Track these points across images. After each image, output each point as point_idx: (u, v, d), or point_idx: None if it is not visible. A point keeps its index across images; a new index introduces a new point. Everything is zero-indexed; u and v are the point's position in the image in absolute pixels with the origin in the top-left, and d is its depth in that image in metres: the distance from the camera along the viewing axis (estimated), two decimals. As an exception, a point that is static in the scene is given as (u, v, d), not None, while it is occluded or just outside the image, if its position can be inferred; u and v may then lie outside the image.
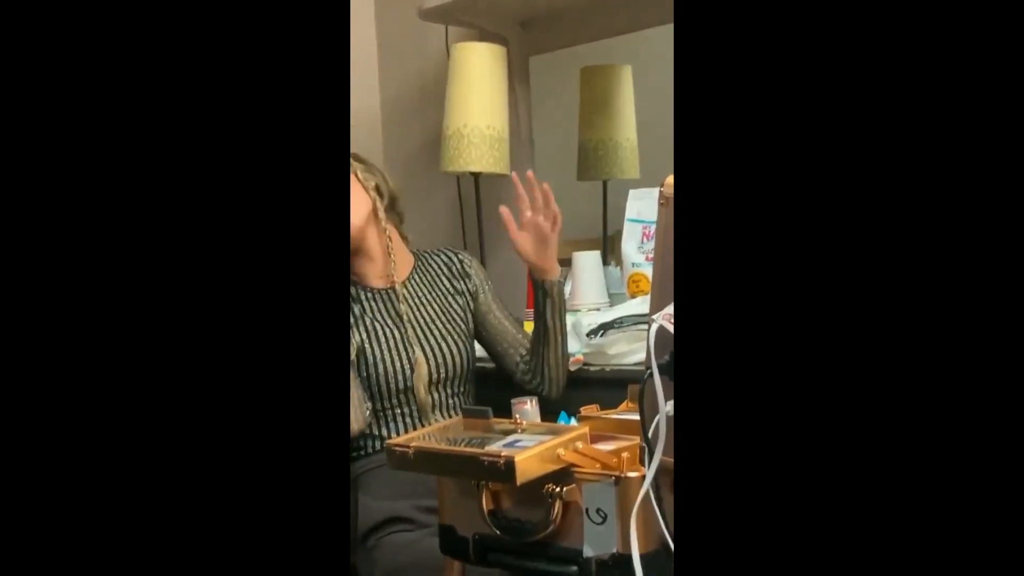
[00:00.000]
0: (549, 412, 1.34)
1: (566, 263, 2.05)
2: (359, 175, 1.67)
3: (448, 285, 1.75)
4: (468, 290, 1.75)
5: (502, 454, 0.97)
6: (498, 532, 1.05)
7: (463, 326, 1.72)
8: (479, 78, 2.09)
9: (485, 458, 0.98)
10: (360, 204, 1.64)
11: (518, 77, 2.28)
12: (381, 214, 1.67)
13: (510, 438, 1.04)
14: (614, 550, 0.98)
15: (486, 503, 1.05)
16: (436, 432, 1.15)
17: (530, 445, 1.00)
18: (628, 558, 0.95)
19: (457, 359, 1.67)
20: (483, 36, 2.26)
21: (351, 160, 1.67)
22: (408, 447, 1.05)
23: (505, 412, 1.27)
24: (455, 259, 1.78)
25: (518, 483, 0.96)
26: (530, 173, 1.58)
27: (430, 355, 1.64)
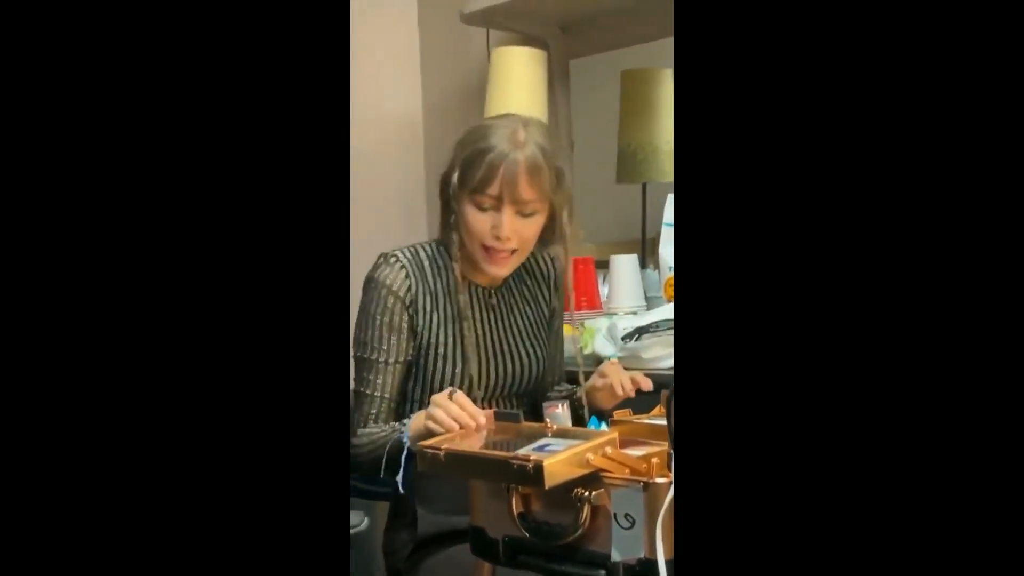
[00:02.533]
0: (581, 415, 1.35)
1: (603, 265, 2.06)
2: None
3: (537, 293, 1.57)
4: (554, 303, 1.59)
5: (531, 458, 0.98)
6: (527, 535, 1.06)
7: (541, 340, 1.55)
8: (519, 82, 2.10)
9: (514, 462, 0.99)
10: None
11: (558, 80, 2.29)
12: None
13: (540, 442, 1.05)
14: (642, 555, 0.98)
15: (516, 506, 1.07)
16: (467, 435, 1.16)
17: (559, 449, 1.01)
18: (656, 563, 0.96)
19: (526, 374, 1.51)
20: (524, 40, 2.27)
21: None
22: (439, 449, 1.07)
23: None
24: (548, 264, 1.59)
25: (546, 487, 0.97)
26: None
27: (497, 370, 1.48)
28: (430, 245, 1.49)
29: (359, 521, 1.95)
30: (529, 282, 1.57)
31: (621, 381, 1.40)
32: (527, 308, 1.55)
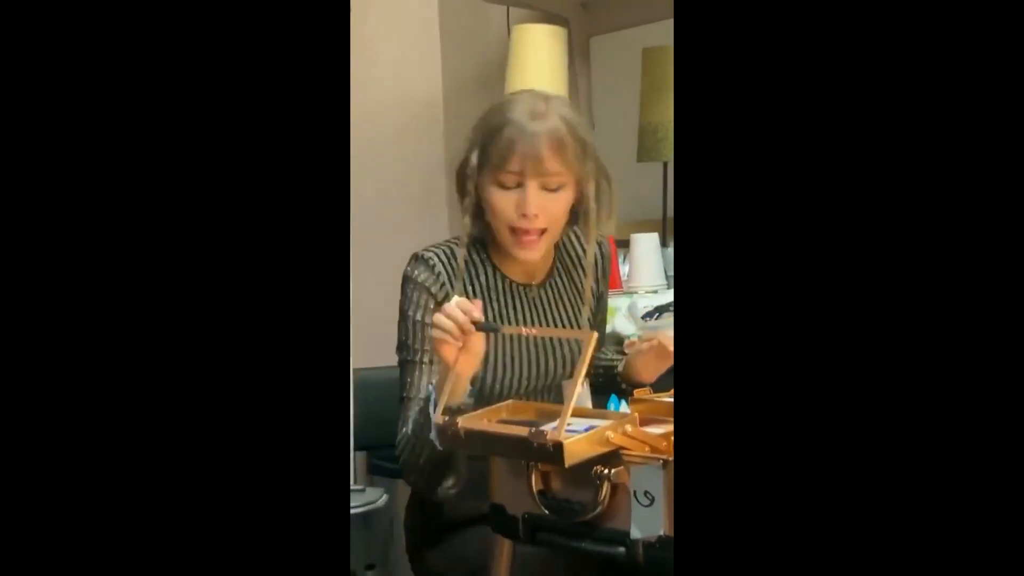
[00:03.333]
0: (600, 394, 1.34)
1: (624, 244, 2.05)
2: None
3: (583, 284, 1.48)
4: (602, 289, 1.54)
5: (550, 436, 0.98)
6: (547, 512, 1.06)
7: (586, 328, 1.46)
8: (540, 59, 2.09)
9: (534, 440, 0.99)
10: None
11: (579, 58, 2.28)
12: None
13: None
14: (661, 532, 0.98)
15: (535, 483, 1.07)
16: (488, 412, 1.16)
17: (579, 427, 1.01)
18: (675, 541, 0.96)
19: (567, 366, 1.43)
20: (544, 17, 2.26)
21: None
22: (459, 427, 1.07)
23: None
24: (597, 251, 1.50)
25: (566, 465, 0.97)
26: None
27: (539, 368, 1.41)
28: (464, 243, 1.39)
29: (377, 497, 1.96)
30: (576, 275, 1.47)
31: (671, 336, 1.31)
32: (571, 301, 1.46)
